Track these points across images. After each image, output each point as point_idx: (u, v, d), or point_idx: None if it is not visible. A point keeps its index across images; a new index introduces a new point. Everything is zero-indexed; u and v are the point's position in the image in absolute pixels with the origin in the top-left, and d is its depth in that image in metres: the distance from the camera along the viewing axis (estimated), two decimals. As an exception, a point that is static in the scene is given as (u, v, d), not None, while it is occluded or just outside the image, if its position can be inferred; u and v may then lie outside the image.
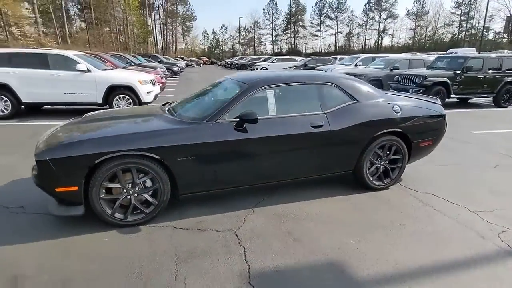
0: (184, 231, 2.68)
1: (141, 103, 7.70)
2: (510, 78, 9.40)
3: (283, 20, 75.41)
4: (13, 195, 3.27)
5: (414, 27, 67.06)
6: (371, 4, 69.71)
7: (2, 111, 7.26)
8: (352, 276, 2.14)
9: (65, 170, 2.47)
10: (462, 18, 62.19)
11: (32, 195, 3.18)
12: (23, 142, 5.28)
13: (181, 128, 2.76)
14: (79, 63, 7.27)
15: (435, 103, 3.75)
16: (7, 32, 36.86)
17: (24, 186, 3.45)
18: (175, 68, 21.96)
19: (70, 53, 7.58)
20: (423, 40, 65.62)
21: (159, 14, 69.17)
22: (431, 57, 12.07)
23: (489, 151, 4.99)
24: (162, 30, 70.50)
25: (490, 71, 9.31)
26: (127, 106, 7.65)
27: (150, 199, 2.75)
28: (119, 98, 7.61)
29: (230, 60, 46.02)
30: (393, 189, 3.58)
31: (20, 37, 37.49)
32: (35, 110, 8.24)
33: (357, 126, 3.20)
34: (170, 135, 2.69)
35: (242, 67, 34.06)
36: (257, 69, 27.48)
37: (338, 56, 21.48)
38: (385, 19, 69.84)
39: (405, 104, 3.50)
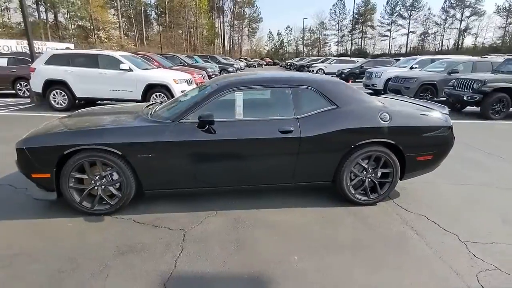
0: (139, 226, 2.78)
1: (175, 101, 8.14)
2: None
3: (350, 20, 72.44)
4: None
5: (504, 25, 58.67)
6: (452, 1, 62.96)
7: (61, 104, 8.37)
8: (271, 294, 2.00)
9: (39, 158, 2.76)
10: None
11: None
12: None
13: (143, 126, 2.87)
14: (122, 63, 7.99)
15: (441, 112, 3.25)
16: (95, 36, 41.96)
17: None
18: (230, 69, 22.68)
19: (116, 54, 8.38)
20: (516, 40, 57.03)
21: (227, 17, 72.09)
22: None
23: (534, 173, 4.16)
24: (229, 32, 73.33)
25: None
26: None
27: (115, 192, 2.92)
28: (156, 95, 8.16)
29: (290, 61, 45.90)
30: (381, 205, 3.22)
31: (105, 40, 42.43)
32: (92, 104, 9.29)
33: (332, 133, 2.95)
34: (132, 132, 2.81)
35: (301, 68, 33.78)
36: (313, 70, 26.99)
37: (402, 58, 19.89)
38: (468, 17, 62.44)
39: (397, 112, 3.11)
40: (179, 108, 3.02)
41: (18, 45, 24.58)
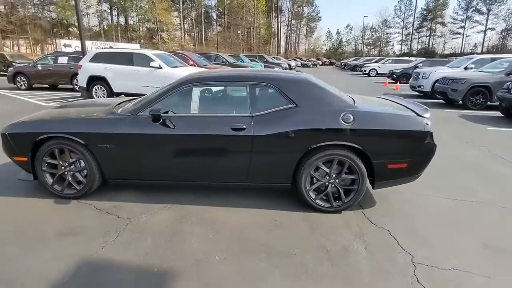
0: (94, 211, 2.95)
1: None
2: None
3: (417, 17, 67.03)
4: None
5: None
6: (545, -8, 54.38)
7: (101, 98, 9.20)
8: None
9: (17, 143, 3.09)
10: None
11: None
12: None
13: (103, 118, 3.03)
14: (153, 61, 8.50)
15: (420, 115, 2.85)
16: (159, 36, 45.12)
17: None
18: (276, 68, 22.65)
19: (148, 52, 8.94)
20: None
21: (284, 16, 72.00)
22: None
23: None
24: (286, 31, 73.19)
25: None
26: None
27: (81, 178, 3.13)
28: (182, 92, 8.51)
29: (344, 61, 44.19)
30: (346, 214, 2.95)
31: (167, 40, 45.42)
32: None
33: (287, 133, 2.78)
34: (93, 124, 2.99)
35: (355, 68, 32.41)
36: (365, 71, 25.66)
37: (457, 58, 17.83)
38: None
39: (364, 113, 2.81)
40: (140, 102, 3.12)
41: (93, 45, 27.67)
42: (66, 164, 3.10)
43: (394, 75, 17.83)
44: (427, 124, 2.79)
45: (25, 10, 35.92)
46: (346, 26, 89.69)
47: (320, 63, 56.88)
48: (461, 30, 64.64)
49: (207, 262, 2.25)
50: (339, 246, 2.46)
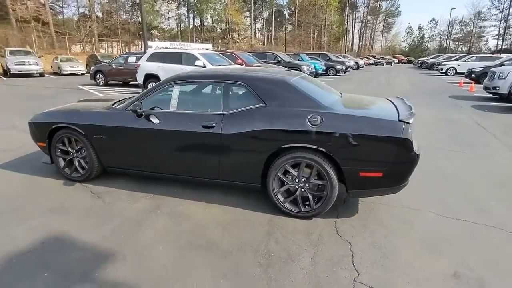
0: (89, 195, 3.30)
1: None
2: None
3: (522, 7, 57.11)
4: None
5: None
6: None
7: (154, 94, 10.08)
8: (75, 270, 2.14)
9: (39, 131, 3.63)
10: None
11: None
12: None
13: (99, 112, 3.37)
14: (198, 60, 8.99)
15: (401, 120, 2.50)
16: (230, 36, 47.10)
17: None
18: (338, 67, 21.82)
19: (195, 51, 9.47)
20: None
21: (359, 12, 68.48)
22: None
23: None
24: (360, 28, 69.57)
25: None
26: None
27: (84, 164, 3.54)
28: (222, 90, 8.84)
29: (421, 59, 40.21)
30: (316, 221, 2.77)
31: (237, 40, 47.18)
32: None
33: (253, 133, 2.73)
34: (90, 116, 3.36)
35: (432, 66, 29.33)
36: (442, 69, 23.02)
37: None
38: None
39: (333, 115, 2.60)
40: (131, 99, 3.38)
41: (170, 46, 30.36)
42: (74, 151, 3.54)
43: (473, 75, 15.62)
44: (405, 130, 2.45)
45: (117, 16, 40.96)
46: (431, 21, 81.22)
47: (396, 61, 52.79)
48: None
49: (150, 251, 2.37)
50: (286, 252, 2.34)
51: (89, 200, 3.19)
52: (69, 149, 3.54)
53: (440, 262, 2.24)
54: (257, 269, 2.16)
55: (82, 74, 20.53)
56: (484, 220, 2.78)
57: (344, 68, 22.62)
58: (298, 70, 14.74)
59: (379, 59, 47.91)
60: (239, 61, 11.22)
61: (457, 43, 67.66)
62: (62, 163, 3.62)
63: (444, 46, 67.21)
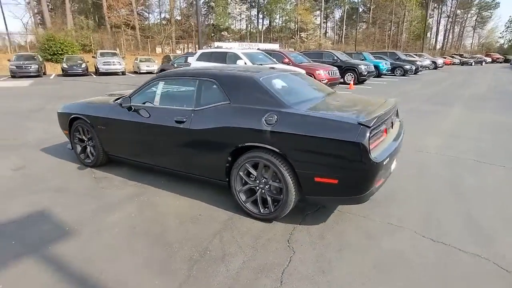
0: (90, 178, 3.69)
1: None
2: None
3: None
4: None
5: None
6: None
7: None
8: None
9: (63, 120, 4.18)
10: None
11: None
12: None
13: (100, 104, 3.72)
14: (240, 59, 9.20)
15: (361, 123, 2.21)
16: (298, 36, 46.81)
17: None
18: (406, 67, 20.03)
19: (238, 51, 9.69)
20: None
21: (446, 6, 61.52)
22: None
23: None
24: (445, 24, 62.51)
25: None
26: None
27: (93, 151, 3.96)
28: (261, 89, 8.90)
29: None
30: (276, 225, 2.65)
31: (305, 40, 46.63)
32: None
33: (215, 130, 2.74)
34: (95, 109, 3.74)
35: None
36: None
37: None
38: None
39: (291, 114, 2.44)
40: (127, 94, 3.66)
41: (239, 46, 31.64)
42: (87, 139, 3.99)
43: None
44: (361, 134, 2.18)
45: (193, 19, 44.02)
46: (541, 12, 68.59)
47: (489, 60, 46.07)
48: None
49: (105, 232, 2.56)
50: (222, 252, 2.30)
51: (89, 183, 3.56)
52: (83, 137, 3.99)
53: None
54: (185, 264, 2.17)
55: (156, 72, 22.67)
56: (475, 249, 2.32)
57: (413, 68, 20.65)
58: (355, 70, 14.00)
59: (466, 57, 42.47)
60: (286, 60, 11.11)
61: None
62: (78, 149, 4.10)
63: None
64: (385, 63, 18.54)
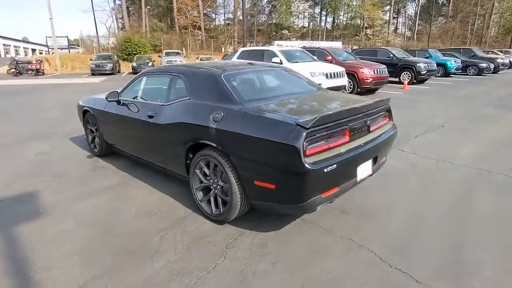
0: (90, 167, 3.96)
1: (308, 94, 8.26)
2: None
3: None
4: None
5: None
6: None
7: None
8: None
9: (79, 112, 4.57)
10: None
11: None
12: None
13: (100, 99, 3.95)
14: (275, 57, 9.02)
15: (298, 124, 1.93)
16: (364, 33, 44.43)
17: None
18: (482, 65, 17.53)
19: (275, 49, 9.51)
20: None
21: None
22: None
23: None
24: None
25: None
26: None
27: (98, 141, 4.25)
28: (295, 87, 8.63)
29: None
30: (226, 228, 2.52)
31: (371, 37, 44.04)
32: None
33: (174, 125, 2.72)
34: (97, 102, 4.01)
35: None
36: None
37: None
38: None
39: (236, 112, 2.29)
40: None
41: (299, 44, 31.36)
42: (94, 130, 4.30)
43: None
44: (296, 135, 1.91)
45: (255, 19, 44.74)
46: None
47: None
48: None
49: (62, 218, 2.70)
50: (152, 251, 2.25)
51: (87, 171, 3.84)
52: (92, 128, 4.31)
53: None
54: (113, 257, 2.19)
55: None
56: (439, 285, 1.90)
57: (491, 66, 17.96)
58: (412, 68, 12.73)
59: None
60: (329, 57, 10.55)
61: None
62: (90, 139, 4.45)
63: None
64: (454, 61, 16.46)
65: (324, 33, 44.49)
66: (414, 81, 12.77)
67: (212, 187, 2.59)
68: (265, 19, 47.22)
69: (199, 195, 2.71)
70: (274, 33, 45.03)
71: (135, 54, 27.70)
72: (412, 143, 4.78)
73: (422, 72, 12.76)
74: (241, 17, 44.54)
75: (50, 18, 22.57)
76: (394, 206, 2.86)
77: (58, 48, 26.41)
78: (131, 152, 3.61)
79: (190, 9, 41.15)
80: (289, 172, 1.98)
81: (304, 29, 46.47)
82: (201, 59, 25.25)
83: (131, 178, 3.57)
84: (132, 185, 3.39)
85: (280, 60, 8.87)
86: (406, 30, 50.93)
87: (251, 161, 2.17)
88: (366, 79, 9.65)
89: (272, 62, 8.88)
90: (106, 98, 3.41)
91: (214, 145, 2.37)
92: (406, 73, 12.94)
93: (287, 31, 43.67)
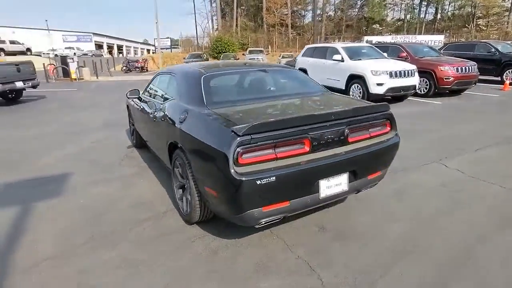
0: (123, 156, 4.42)
1: (368, 94, 7.57)
2: None
3: None
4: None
5: None
6: None
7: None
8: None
9: (126, 106, 5.14)
10: None
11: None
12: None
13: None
14: (336, 54, 8.49)
15: (234, 132, 1.76)
16: (473, 24, 38.32)
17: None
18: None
19: (338, 46, 8.90)
20: None
21: None
22: None
23: None
24: None
25: None
26: (359, 95, 7.91)
27: (135, 134, 4.70)
28: (355, 87, 8.00)
29: None
30: (195, 229, 2.52)
31: (484, 28, 37.72)
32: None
33: (160, 124, 2.84)
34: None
35: None
36: None
37: None
38: None
39: (196, 113, 2.25)
40: (148, 85, 4.14)
41: (392, 39, 29.08)
42: (133, 122, 4.78)
43: None
44: (228, 142, 1.77)
45: (344, 14, 42.68)
46: None
47: None
48: None
49: (71, 202, 3.07)
50: (116, 241, 2.40)
51: (116, 159, 4.29)
52: (132, 120, 4.80)
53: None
54: (82, 238, 2.41)
55: (288, 69, 23.62)
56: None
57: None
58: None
59: None
60: (403, 54, 9.35)
61: None
62: (131, 131, 4.97)
63: None
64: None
65: (424, 26, 39.63)
66: (524, 81, 10.43)
67: (186, 186, 2.62)
68: (355, 13, 44.66)
69: (178, 192, 2.76)
70: (365, 28, 42.25)
71: (224, 53, 29.58)
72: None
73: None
74: (331, 13, 43.11)
75: (156, 22, 25.75)
76: (386, 231, 2.43)
77: (162, 48, 30.25)
78: (146, 142, 3.93)
79: (279, 7, 41.68)
80: (221, 180, 1.87)
81: (399, 23, 42.25)
82: (282, 57, 25.42)
83: (147, 170, 3.86)
84: (144, 175, 3.66)
85: (342, 57, 8.32)
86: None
87: (200, 166, 2.12)
88: (446, 78, 8.30)
89: (333, 60, 8.45)
90: (126, 94, 3.74)
91: (180, 145, 2.40)
92: (511, 71, 10.67)
93: (378, 25, 40.44)
